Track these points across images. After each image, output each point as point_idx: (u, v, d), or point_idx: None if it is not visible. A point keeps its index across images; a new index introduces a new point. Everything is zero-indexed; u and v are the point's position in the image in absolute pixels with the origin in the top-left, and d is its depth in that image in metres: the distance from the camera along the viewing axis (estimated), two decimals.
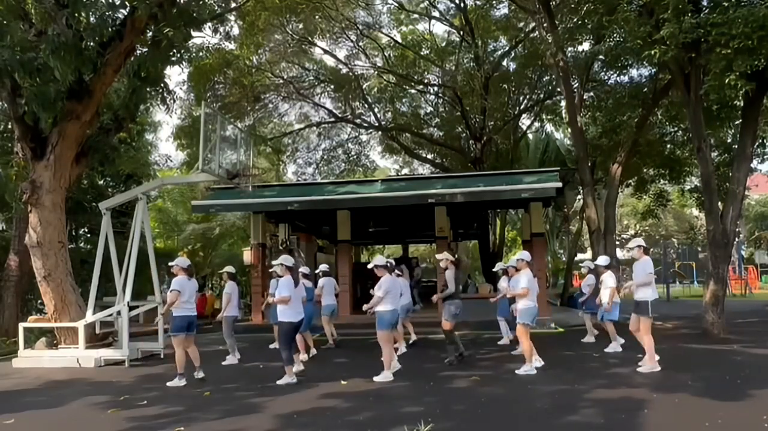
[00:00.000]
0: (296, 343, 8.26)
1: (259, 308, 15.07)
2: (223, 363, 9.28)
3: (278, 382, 7.31)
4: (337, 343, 10.63)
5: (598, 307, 9.68)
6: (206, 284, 22.30)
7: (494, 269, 10.92)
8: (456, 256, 9.28)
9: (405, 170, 28.36)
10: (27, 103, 9.71)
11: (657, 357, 7.50)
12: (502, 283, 10.06)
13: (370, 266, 7.99)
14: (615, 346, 9.28)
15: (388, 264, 7.87)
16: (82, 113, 10.08)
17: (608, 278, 9.45)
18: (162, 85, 11.38)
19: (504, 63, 21.32)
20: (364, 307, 7.82)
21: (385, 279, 7.55)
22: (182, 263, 8.02)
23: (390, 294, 7.48)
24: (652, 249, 42.67)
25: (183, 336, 7.70)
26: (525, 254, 8.22)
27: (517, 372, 7.49)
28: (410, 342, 10.36)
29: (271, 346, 10.69)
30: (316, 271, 10.87)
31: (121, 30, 9.71)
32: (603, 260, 9.91)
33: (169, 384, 7.62)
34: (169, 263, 8.31)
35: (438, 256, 8.92)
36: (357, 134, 25.08)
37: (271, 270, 8.87)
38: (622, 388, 6.50)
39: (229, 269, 9.94)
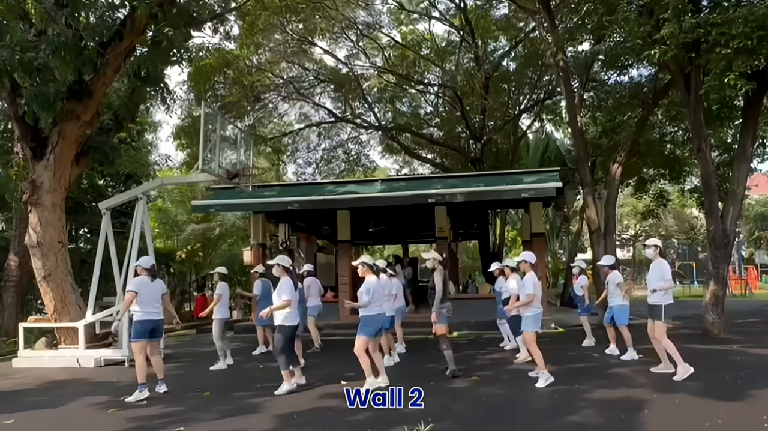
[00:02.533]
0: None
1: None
2: (211, 368, 8.97)
3: (276, 392, 6.82)
4: (321, 347, 10.42)
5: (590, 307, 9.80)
6: (206, 285, 22.29)
7: (490, 269, 10.41)
8: (444, 255, 8.67)
9: (405, 170, 28.36)
10: (27, 103, 9.70)
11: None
12: (500, 284, 9.56)
13: (354, 263, 7.40)
14: (613, 348, 9.03)
15: (374, 265, 7.30)
16: (82, 113, 10.08)
17: (615, 278, 8.89)
18: (162, 85, 11.37)
19: (504, 63, 21.31)
20: (346, 304, 7.39)
21: (370, 281, 7.01)
22: (145, 263, 7.35)
23: (374, 298, 6.93)
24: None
25: (144, 342, 7.06)
26: (528, 255, 7.43)
27: (537, 386, 6.78)
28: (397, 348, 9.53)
29: (255, 352, 10.39)
30: (300, 271, 10.73)
31: (121, 30, 9.72)
32: (607, 259, 9.24)
33: (128, 399, 6.84)
34: (133, 264, 7.83)
35: (425, 255, 8.25)
36: (357, 134, 25.06)
37: (253, 271, 8.62)
38: (622, 388, 6.50)
39: (221, 269, 9.76)
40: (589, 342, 10.04)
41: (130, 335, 7.10)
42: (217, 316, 9.24)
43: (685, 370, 6.96)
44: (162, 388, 7.18)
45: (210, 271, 21.88)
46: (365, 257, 7.32)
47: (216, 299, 9.38)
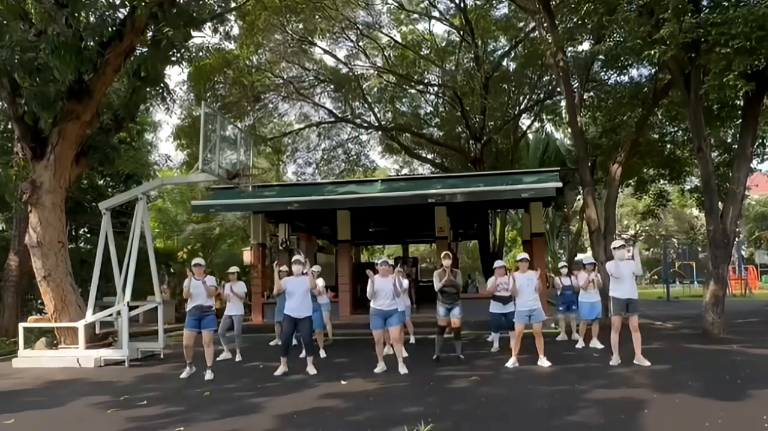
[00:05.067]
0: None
1: (259, 309, 15.14)
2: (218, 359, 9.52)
3: (276, 373, 7.95)
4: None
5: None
6: None
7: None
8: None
9: (405, 170, 28.36)
10: (27, 103, 9.71)
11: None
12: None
13: (378, 262, 8.26)
14: (595, 343, 9.56)
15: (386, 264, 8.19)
16: (82, 113, 10.08)
17: (580, 277, 9.91)
18: (162, 85, 11.38)
19: (504, 63, 21.32)
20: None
21: (375, 279, 7.92)
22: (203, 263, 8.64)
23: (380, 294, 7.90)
24: (652, 249, 42.75)
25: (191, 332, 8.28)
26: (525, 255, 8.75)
27: (507, 365, 8.03)
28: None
29: (272, 343, 11.10)
30: (310, 270, 10.99)
31: (121, 30, 9.72)
32: (582, 256, 10.17)
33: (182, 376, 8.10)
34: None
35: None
36: (357, 134, 25.08)
37: (281, 269, 9.00)
38: (622, 388, 6.50)
39: (237, 269, 10.35)
40: (562, 337, 11.00)
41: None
42: (240, 313, 10.01)
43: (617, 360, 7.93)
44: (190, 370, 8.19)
45: (209, 270, 21.95)
46: (384, 260, 8.46)
47: (242, 296, 10.02)
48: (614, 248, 8.10)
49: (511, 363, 8.05)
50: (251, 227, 16.01)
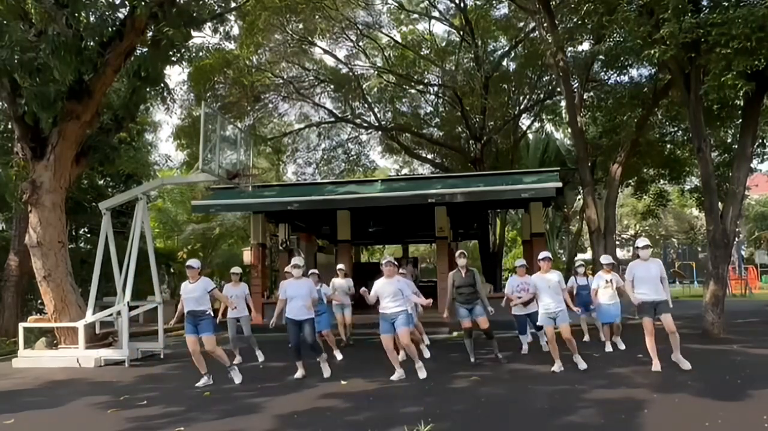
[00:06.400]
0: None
1: (259, 309, 15.13)
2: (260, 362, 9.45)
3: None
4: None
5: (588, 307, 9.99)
6: None
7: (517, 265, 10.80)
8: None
9: (405, 170, 28.37)
10: (27, 103, 9.71)
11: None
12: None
13: (385, 261, 7.82)
14: (608, 346, 9.37)
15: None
16: (82, 113, 10.08)
17: (596, 279, 9.54)
18: (162, 85, 11.38)
19: (504, 63, 21.32)
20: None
21: (377, 283, 7.63)
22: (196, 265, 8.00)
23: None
24: (652, 249, 42.87)
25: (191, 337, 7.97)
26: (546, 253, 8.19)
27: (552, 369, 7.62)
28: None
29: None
30: (338, 269, 11.02)
31: (121, 30, 9.73)
32: (605, 258, 9.74)
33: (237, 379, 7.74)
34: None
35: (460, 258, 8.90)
36: (357, 134, 25.08)
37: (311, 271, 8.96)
38: (622, 388, 6.49)
39: (238, 269, 10.16)
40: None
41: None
42: (245, 314, 9.72)
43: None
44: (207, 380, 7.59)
45: (209, 270, 21.96)
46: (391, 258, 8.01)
47: (249, 299, 9.89)
48: (638, 248, 7.61)
49: (557, 367, 7.58)
50: (251, 227, 16.00)
